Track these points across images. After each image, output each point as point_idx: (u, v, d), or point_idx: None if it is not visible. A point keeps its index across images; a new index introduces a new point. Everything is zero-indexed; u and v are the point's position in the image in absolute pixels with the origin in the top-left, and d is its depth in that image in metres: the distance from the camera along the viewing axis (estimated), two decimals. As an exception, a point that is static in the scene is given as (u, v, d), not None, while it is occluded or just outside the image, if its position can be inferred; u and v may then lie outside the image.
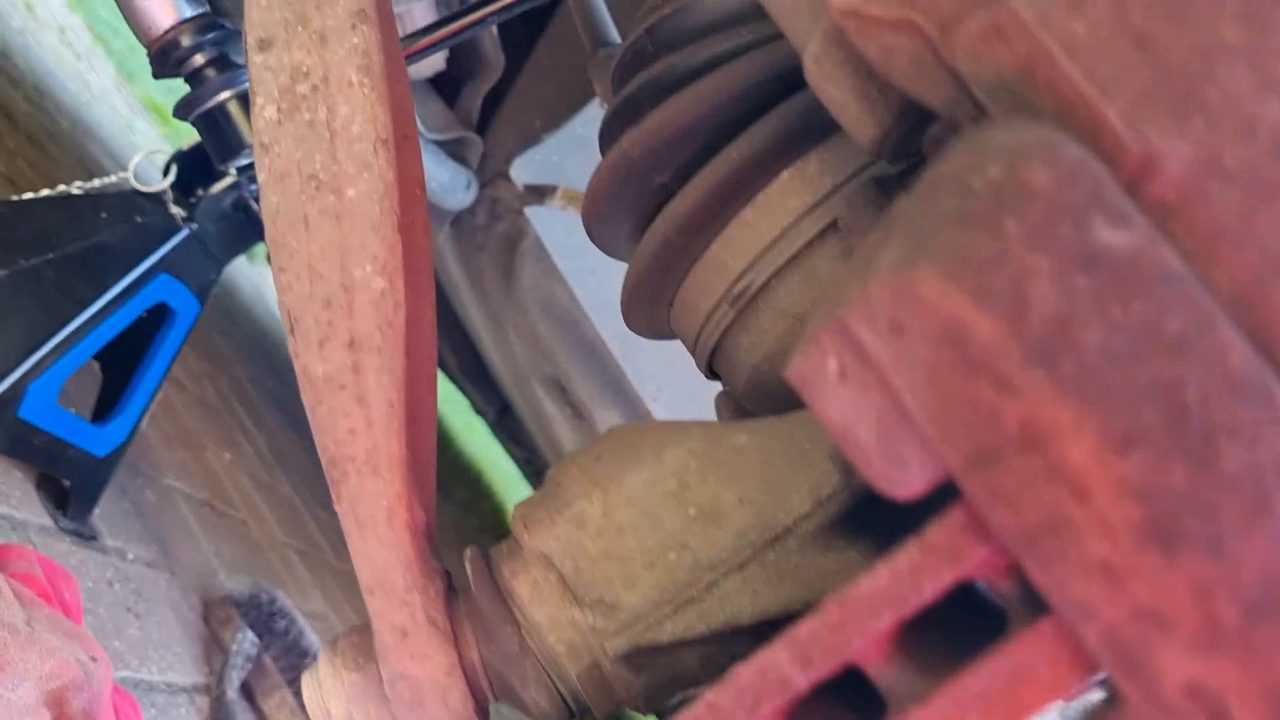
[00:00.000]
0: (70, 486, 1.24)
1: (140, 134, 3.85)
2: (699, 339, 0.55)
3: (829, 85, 0.35)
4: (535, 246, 1.29)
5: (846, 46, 0.33)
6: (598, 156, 1.30)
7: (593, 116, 1.19)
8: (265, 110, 0.48)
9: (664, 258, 0.53)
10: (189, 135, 3.62)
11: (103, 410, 1.27)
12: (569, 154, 1.26)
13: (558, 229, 1.27)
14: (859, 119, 0.35)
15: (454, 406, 5.20)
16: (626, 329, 1.17)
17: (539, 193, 1.23)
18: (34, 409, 1.12)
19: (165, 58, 0.74)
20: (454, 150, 1.21)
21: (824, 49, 0.34)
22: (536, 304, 1.32)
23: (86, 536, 1.29)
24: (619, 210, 0.56)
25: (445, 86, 1.26)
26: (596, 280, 1.28)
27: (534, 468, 3.57)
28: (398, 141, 0.49)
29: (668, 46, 0.55)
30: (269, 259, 0.49)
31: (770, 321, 0.51)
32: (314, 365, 0.47)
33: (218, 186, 1.16)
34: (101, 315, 1.14)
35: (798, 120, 0.49)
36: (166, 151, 1.20)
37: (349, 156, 0.48)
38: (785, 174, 0.50)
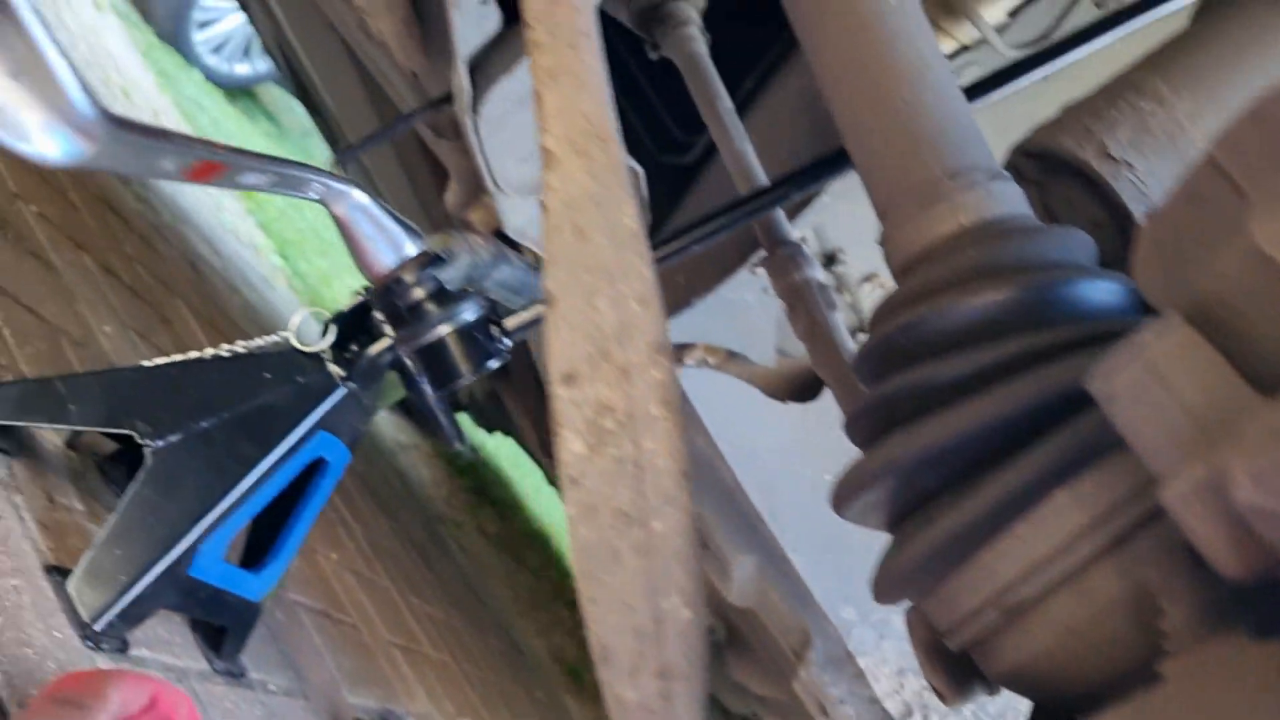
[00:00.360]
0: (226, 630, 1.28)
1: (228, 211, 3.95)
2: (957, 629, 0.57)
3: (1194, 522, 0.37)
4: (674, 394, 1.31)
5: (1231, 505, 0.35)
6: (744, 320, 1.33)
7: (741, 281, 1.23)
8: (573, 444, 0.51)
9: (931, 562, 0.55)
10: (269, 208, 3.71)
11: (254, 554, 1.31)
12: (715, 316, 1.28)
13: (697, 377, 1.30)
14: (1225, 559, 0.37)
15: (522, 471, 5.24)
16: (765, 478, 1.19)
17: (680, 349, 1.26)
18: (202, 567, 1.16)
19: (389, 293, 0.77)
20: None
21: (1196, 494, 0.36)
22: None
23: (236, 675, 1.32)
24: (878, 500, 0.58)
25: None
26: (736, 430, 1.30)
27: (613, 544, 3.57)
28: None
29: (926, 347, 0.58)
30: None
31: (1040, 630, 0.53)
32: (626, 693, 0.49)
33: (376, 347, 1.20)
34: (267, 475, 1.18)
35: (1076, 446, 0.51)
36: (323, 312, 1.24)
37: (655, 491, 0.50)
38: (1060, 493, 0.52)
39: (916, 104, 0.63)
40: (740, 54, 1.17)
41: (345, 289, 4.78)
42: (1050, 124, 0.70)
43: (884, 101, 0.64)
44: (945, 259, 0.59)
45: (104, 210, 2.26)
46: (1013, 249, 0.58)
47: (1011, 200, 0.62)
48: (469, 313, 0.79)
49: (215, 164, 0.50)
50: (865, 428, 0.61)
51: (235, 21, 4.93)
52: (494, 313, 0.80)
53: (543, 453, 3.59)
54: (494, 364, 0.80)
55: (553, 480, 3.96)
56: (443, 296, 0.79)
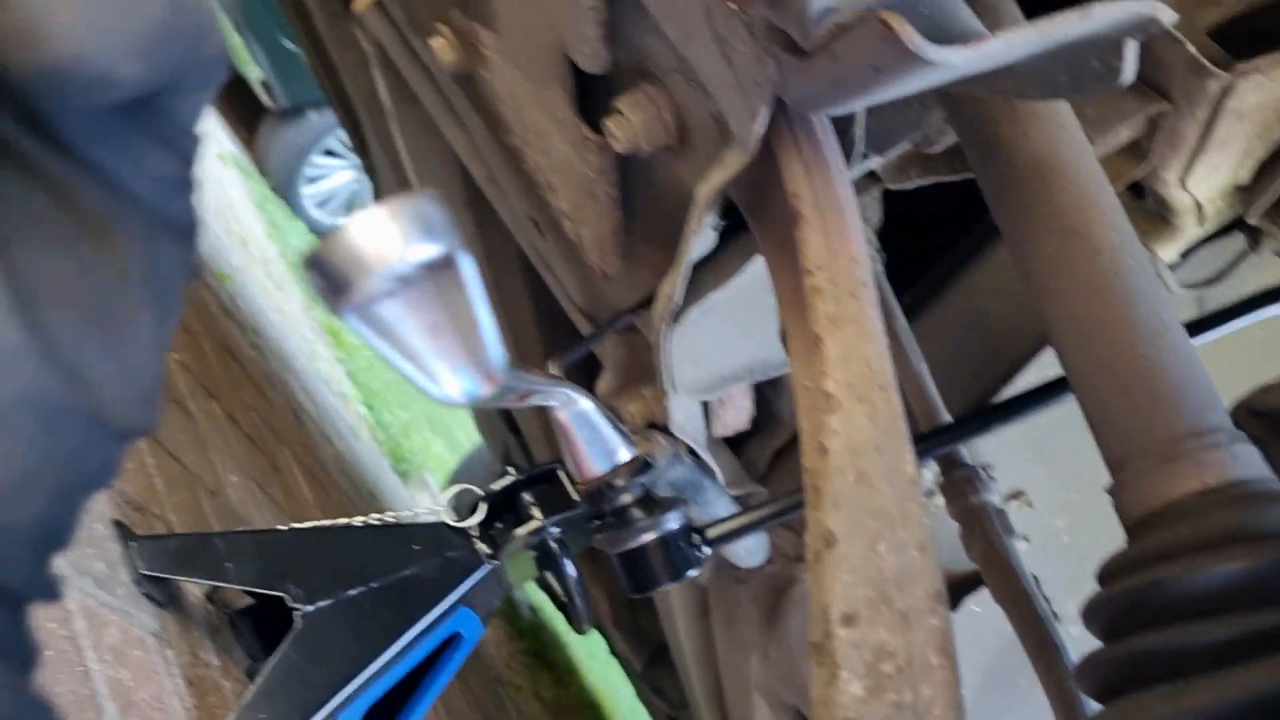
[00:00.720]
0: (342, 804, 1.26)
1: (322, 359, 4.06)
2: None
3: None
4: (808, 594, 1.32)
5: None
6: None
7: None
8: (850, 686, 0.52)
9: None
10: (358, 357, 3.80)
11: (377, 723, 1.30)
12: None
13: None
14: None
15: (578, 637, 5.17)
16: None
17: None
18: (337, 737, 1.16)
19: (597, 497, 0.80)
20: (742, 503, 1.26)
21: None
22: (802, 649, 1.34)
23: None
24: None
25: (731, 437, 1.31)
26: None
27: (677, 725, 3.49)
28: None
29: (1179, 606, 0.58)
30: None
31: None
32: None
33: (524, 529, 1.22)
34: (408, 647, 1.19)
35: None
36: (474, 490, 1.27)
37: (933, 741, 0.51)
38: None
39: (1157, 361, 0.65)
40: (902, 270, 1.21)
41: (423, 441, 4.85)
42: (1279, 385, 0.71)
43: (1123, 357, 0.66)
44: (1194, 519, 0.60)
45: (227, 358, 2.34)
46: (1267, 514, 0.59)
47: (1254, 463, 0.63)
48: (673, 521, 0.80)
49: (530, 392, 0.53)
50: (1105, 680, 0.61)
51: (342, 179, 5.16)
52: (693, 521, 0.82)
53: (612, 624, 3.55)
54: (693, 573, 0.81)
55: (615, 650, 3.90)
56: (649, 503, 0.81)
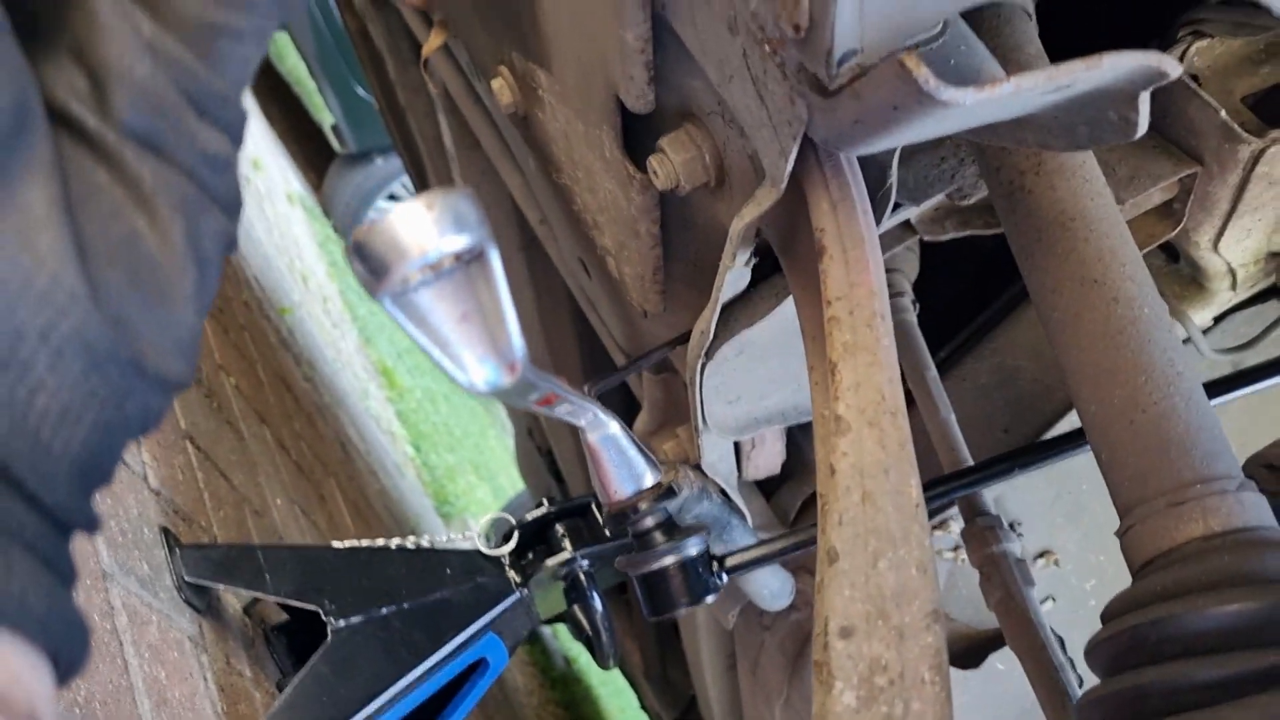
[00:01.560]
0: (361, 822, 1.28)
1: (373, 399, 4.13)
2: None
3: None
4: (832, 643, 1.32)
5: None
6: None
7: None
8: (843, 696, 0.53)
9: None
10: (409, 398, 3.84)
11: (400, 746, 1.32)
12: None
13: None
14: None
15: (610, 690, 5.14)
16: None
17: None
18: (361, 753, 1.18)
19: (621, 519, 0.82)
20: (770, 544, 1.27)
21: None
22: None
23: None
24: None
25: (763, 481, 1.33)
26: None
27: (706, 780, 3.45)
28: None
29: (1176, 645, 0.59)
30: None
31: None
32: None
33: (555, 560, 1.25)
34: (435, 668, 1.21)
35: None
36: (508, 519, 1.30)
37: (922, 753, 0.52)
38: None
39: (1168, 408, 0.67)
40: (938, 324, 1.23)
41: (468, 485, 4.89)
42: (1292, 440, 0.73)
43: (1135, 402, 0.67)
44: (1197, 561, 0.62)
45: (282, 388, 2.40)
46: (1270, 561, 0.60)
47: (1260, 511, 0.64)
48: (694, 547, 0.83)
49: (552, 397, 0.56)
50: (1103, 716, 0.62)
51: (405, 223, 5.27)
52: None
53: (643, 676, 3.54)
54: (711, 599, 0.83)
55: (645, 705, 3.88)
56: (670, 528, 0.83)
